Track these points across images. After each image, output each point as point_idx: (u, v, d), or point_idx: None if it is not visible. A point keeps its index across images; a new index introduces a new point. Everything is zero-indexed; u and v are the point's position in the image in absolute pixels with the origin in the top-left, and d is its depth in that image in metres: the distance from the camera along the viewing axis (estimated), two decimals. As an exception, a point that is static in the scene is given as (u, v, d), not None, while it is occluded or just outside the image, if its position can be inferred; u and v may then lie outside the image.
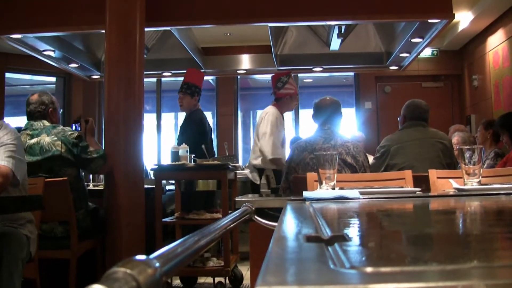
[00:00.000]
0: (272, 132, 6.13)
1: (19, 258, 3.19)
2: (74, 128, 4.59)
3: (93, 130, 4.73)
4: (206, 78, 10.15)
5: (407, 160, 4.68)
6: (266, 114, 6.30)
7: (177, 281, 5.57)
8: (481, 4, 7.53)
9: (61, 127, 4.28)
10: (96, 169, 4.42)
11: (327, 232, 1.02)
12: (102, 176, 5.46)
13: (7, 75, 9.46)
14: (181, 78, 9.09)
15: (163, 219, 5.02)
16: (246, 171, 6.58)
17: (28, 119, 4.35)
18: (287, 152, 5.74)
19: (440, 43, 9.36)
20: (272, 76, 6.64)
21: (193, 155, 5.40)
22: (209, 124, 6.40)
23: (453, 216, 1.73)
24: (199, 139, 6.02)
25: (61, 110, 4.72)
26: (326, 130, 4.56)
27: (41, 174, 3.98)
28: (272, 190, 6.03)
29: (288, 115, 9.33)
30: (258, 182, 6.22)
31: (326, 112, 4.67)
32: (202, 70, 8.22)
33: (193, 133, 6.08)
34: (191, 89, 6.27)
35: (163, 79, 9.10)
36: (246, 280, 5.55)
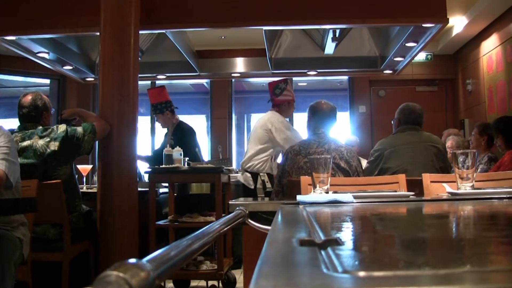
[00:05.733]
0: (292, 132, 6.18)
1: (12, 261, 3.18)
2: None
3: (76, 113, 4.71)
4: (200, 81, 10.20)
5: (400, 164, 4.68)
6: (272, 124, 6.28)
7: (170, 285, 5.57)
8: (475, 9, 7.56)
9: (51, 127, 4.26)
10: (89, 147, 4.34)
11: (320, 236, 1.02)
12: (95, 178, 5.45)
13: (1, 76, 9.46)
14: (175, 81, 9.12)
15: (157, 222, 5.02)
16: (239, 175, 6.58)
17: (21, 122, 4.32)
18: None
19: (434, 48, 9.38)
20: (269, 84, 6.67)
21: (187, 158, 5.41)
22: None
23: (447, 220, 1.73)
24: (193, 146, 6.13)
25: (53, 110, 4.67)
26: (320, 134, 4.57)
27: (36, 178, 3.95)
28: (265, 194, 6.03)
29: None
30: (252, 187, 6.22)
31: (321, 116, 4.67)
32: (196, 73, 8.24)
33: (187, 142, 6.19)
34: (158, 108, 6.57)
35: (157, 82, 9.09)
36: (240, 284, 5.55)
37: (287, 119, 6.69)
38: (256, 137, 6.36)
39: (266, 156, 6.26)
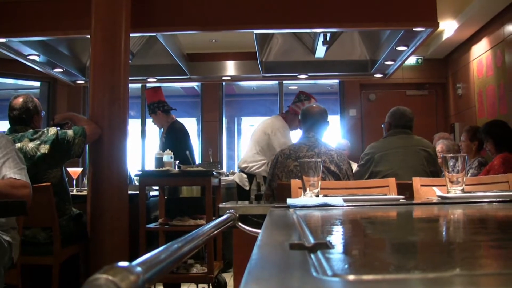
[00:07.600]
0: (289, 140, 6.19)
1: (0, 264, 3.16)
2: None
3: (67, 117, 4.70)
4: (191, 84, 10.18)
5: (391, 168, 4.69)
6: (272, 129, 6.32)
7: (160, 288, 5.56)
8: (465, 13, 7.58)
9: (41, 130, 4.25)
10: (80, 150, 4.33)
11: (310, 240, 1.02)
12: (86, 181, 5.43)
13: (-9, 79, 9.40)
14: (166, 84, 9.10)
15: (147, 225, 5.01)
16: (231, 177, 6.58)
17: (11, 124, 4.31)
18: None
19: (425, 52, 9.40)
20: (299, 91, 6.75)
21: (177, 161, 5.41)
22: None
23: (436, 224, 1.73)
24: (185, 147, 6.11)
25: (44, 113, 4.66)
26: (310, 138, 4.57)
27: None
28: (256, 197, 6.04)
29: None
30: (247, 188, 6.23)
31: (312, 119, 4.68)
32: (187, 77, 8.22)
33: (179, 142, 6.18)
34: (151, 108, 6.69)
35: (148, 85, 9.07)
36: (230, 287, 5.54)
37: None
38: (255, 139, 6.38)
39: (262, 159, 6.27)
